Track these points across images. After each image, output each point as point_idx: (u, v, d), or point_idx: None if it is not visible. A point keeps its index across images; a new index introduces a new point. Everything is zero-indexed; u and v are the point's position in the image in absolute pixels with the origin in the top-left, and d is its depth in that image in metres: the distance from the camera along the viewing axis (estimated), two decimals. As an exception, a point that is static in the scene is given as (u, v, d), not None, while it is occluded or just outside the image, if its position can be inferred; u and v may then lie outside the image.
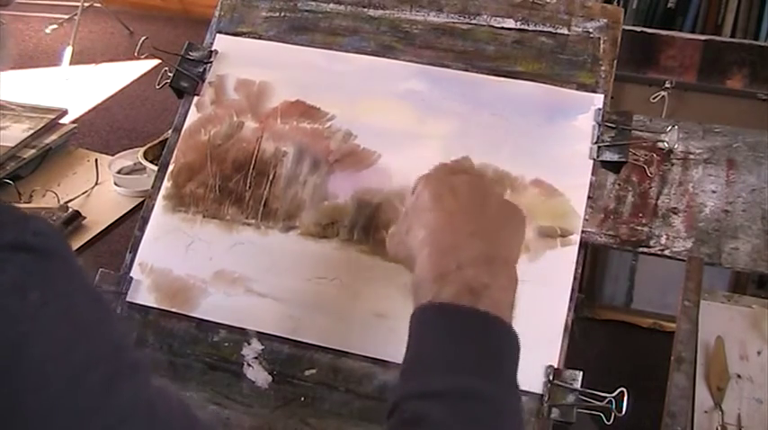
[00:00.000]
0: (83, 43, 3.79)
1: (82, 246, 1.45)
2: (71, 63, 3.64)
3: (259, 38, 0.99)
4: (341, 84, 0.94)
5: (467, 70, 0.93)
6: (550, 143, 0.88)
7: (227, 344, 0.85)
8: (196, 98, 0.96)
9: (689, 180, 1.01)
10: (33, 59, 3.74)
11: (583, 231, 0.84)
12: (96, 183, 1.59)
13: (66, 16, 3.87)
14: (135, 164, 1.60)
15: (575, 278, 0.82)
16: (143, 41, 0.92)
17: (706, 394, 0.98)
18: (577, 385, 0.77)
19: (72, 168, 1.66)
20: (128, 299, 0.88)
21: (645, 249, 0.96)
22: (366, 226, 0.86)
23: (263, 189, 0.90)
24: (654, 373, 1.03)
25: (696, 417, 0.96)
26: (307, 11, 0.99)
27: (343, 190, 0.89)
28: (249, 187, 0.91)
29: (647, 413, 0.91)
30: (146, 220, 0.91)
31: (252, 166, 0.91)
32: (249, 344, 0.85)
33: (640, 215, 0.98)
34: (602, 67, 0.91)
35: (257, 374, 0.84)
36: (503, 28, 0.94)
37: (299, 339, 0.84)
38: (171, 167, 0.93)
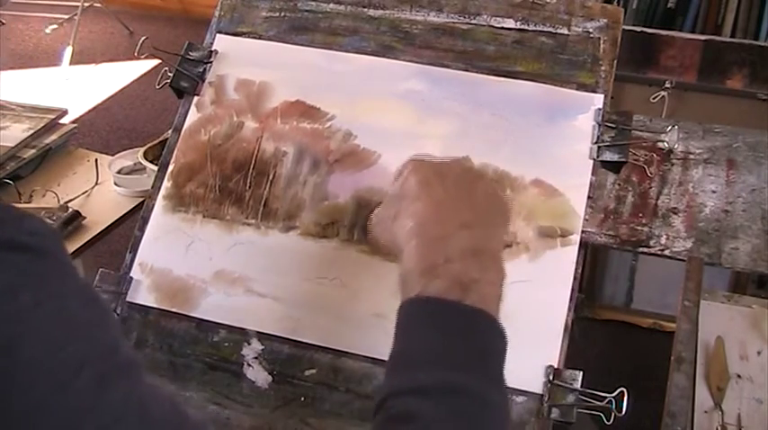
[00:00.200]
0: (83, 43, 3.79)
1: (82, 246, 1.45)
2: (71, 63, 3.64)
3: (259, 38, 0.99)
4: (341, 84, 0.94)
5: (467, 70, 0.93)
6: (550, 143, 0.88)
7: (227, 344, 0.85)
8: (196, 98, 0.96)
9: (689, 180, 1.01)
10: (33, 59, 3.75)
11: (583, 231, 0.84)
12: (96, 183, 1.59)
13: (67, 16, 3.87)
14: (135, 164, 1.60)
15: (575, 278, 0.82)
16: (143, 41, 0.92)
17: (706, 394, 0.98)
18: (577, 385, 0.77)
19: (72, 168, 1.66)
20: (128, 299, 0.88)
21: (645, 249, 0.96)
22: (366, 226, 0.86)
23: (263, 189, 0.90)
24: (654, 373, 1.03)
25: (696, 417, 0.96)
26: (307, 11, 0.99)
27: (343, 190, 0.89)
28: (249, 187, 0.91)
29: (647, 413, 0.91)
30: (146, 220, 0.91)
31: (252, 166, 0.91)
32: (249, 344, 0.85)
33: (640, 215, 0.98)
34: (602, 67, 0.91)
35: (257, 374, 0.84)
36: (503, 28, 0.94)
37: (299, 339, 0.84)
38: (171, 167, 0.93)
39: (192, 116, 0.95)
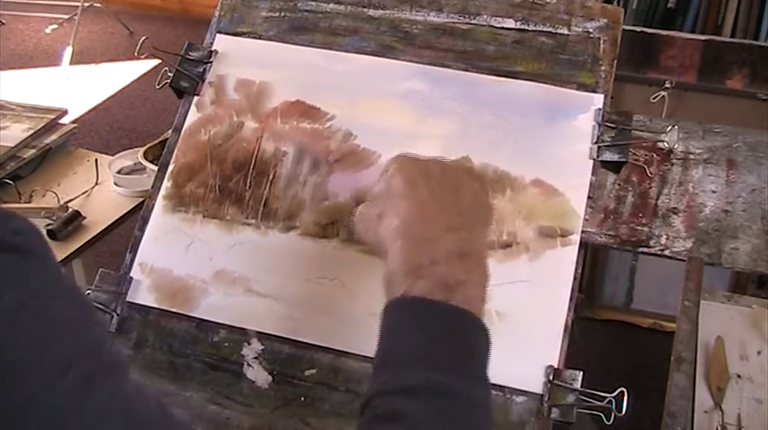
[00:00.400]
0: (83, 43, 3.79)
1: (82, 246, 1.46)
2: (71, 63, 3.64)
3: (259, 38, 0.99)
4: (341, 84, 0.94)
5: (467, 70, 0.93)
6: (550, 143, 0.88)
7: (227, 344, 0.85)
8: (196, 98, 0.96)
9: (689, 180, 1.01)
10: (33, 59, 3.75)
11: (583, 231, 0.84)
12: (96, 183, 1.59)
13: (67, 16, 3.87)
14: (135, 164, 1.61)
15: (575, 278, 0.82)
16: (143, 41, 0.92)
17: (706, 394, 0.98)
18: (577, 385, 0.77)
19: (72, 168, 1.66)
20: (128, 299, 0.88)
21: (645, 249, 0.96)
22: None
23: (263, 189, 0.90)
24: (654, 373, 1.03)
25: (696, 417, 0.96)
26: (307, 11, 0.99)
27: (344, 190, 0.89)
28: (249, 187, 0.91)
29: (647, 413, 0.91)
30: (146, 220, 0.91)
31: (252, 166, 0.91)
32: (249, 344, 0.85)
33: (640, 215, 0.98)
34: (602, 67, 0.91)
35: (257, 374, 0.84)
36: (503, 28, 0.94)
37: (299, 339, 0.84)
38: (171, 167, 0.93)
39: (192, 116, 0.95)
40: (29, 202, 1.55)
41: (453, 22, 0.95)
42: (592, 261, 2.16)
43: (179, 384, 0.84)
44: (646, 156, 1.02)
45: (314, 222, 0.88)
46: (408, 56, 0.94)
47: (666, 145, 0.98)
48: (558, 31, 0.93)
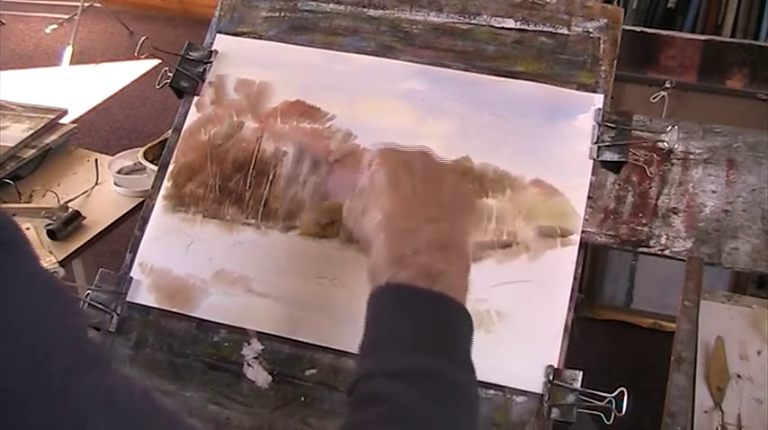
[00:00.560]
0: (83, 43, 3.79)
1: (82, 246, 1.46)
2: (71, 63, 3.64)
3: (259, 38, 0.99)
4: (341, 84, 0.94)
5: (467, 70, 0.93)
6: (550, 143, 0.88)
7: (227, 344, 0.85)
8: (196, 98, 0.96)
9: (689, 180, 1.01)
10: (33, 59, 3.75)
11: (583, 231, 0.84)
12: (96, 183, 1.59)
13: (67, 16, 3.87)
14: (135, 164, 1.61)
15: (575, 278, 0.82)
16: (143, 41, 0.92)
17: (706, 394, 0.98)
18: (577, 385, 0.77)
19: (72, 168, 1.66)
20: (128, 299, 0.88)
21: (645, 249, 0.96)
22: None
23: (263, 189, 0.90)
24: (654, 373, 1.03)
25: (696, 417, 0.96)
26: (307, 11, 0.99)
27: (344, 190, 0.89)
28: (249, 187, 0.91)
29: (647, 413, 0.91)
30: (146, 220, 0.91)
31: (252, 166, 0.91)
32: (249, 344, 0.85)
33: (640, 215, 0.98)
34: (602, 67, 0.91)
35: (257, 374, 0.84)
36: (503, 28, 0.94)
37: (299, 339, 0.84)
38: (171, 167, 0.93)
39: (192, 116, 0.95)
40: (29, 202, 1.55)
41: (453, 22, 0.95)
42: (592, 261, 2.16)
43: (179, 384, 0.84)
44: (646, 156, 1.02)
45: (314, 222, 0.88)
46: (408, 56, 0.94)
47: (666, 145, 0.98)
48: (558, 31, 0.93)
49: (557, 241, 0.84)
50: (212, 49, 0.98)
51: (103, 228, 1.50)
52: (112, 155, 1.67)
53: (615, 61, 0.91)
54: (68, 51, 3.65)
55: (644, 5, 1.86)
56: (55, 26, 3.92)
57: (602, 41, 0.92)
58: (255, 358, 0.84)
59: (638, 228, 0.97)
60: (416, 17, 0.96)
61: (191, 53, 0.98)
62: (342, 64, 0.95)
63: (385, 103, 0.92)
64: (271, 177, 0.91)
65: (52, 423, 0.43)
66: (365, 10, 0.98)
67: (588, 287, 2.19)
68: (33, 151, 1.64)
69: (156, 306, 0.87)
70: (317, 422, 0.81)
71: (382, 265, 0.64)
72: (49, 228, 1.45)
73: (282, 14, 0.99)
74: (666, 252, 0.95)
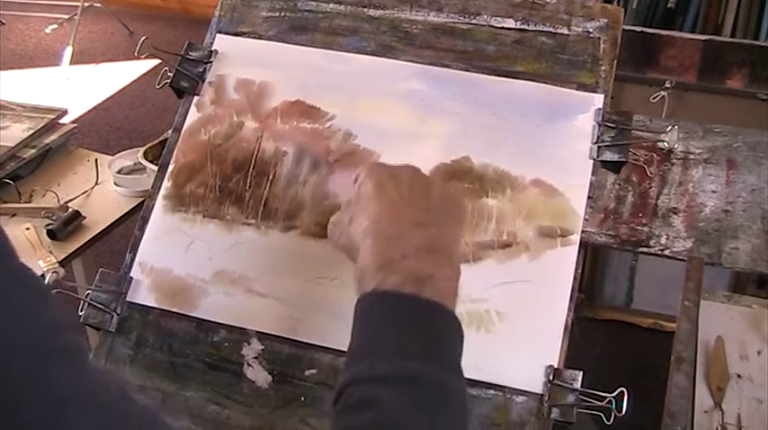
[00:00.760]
0: (83, 43, 3.79)
1: (82, 246, 1.46)
2: (71, 63, 3.64)
3: (259, 38, 0.99)
4: (341, 84, 0.94)
5: (467, 70, 0.93)
6: (550, 143, 0.88)
7: (227, 344, 0.85)
8: (196, 98, 0.96)
9: (689, 180, 1.01)
10: (33, 59, 3.75)
11: (583, 231, 0.84)
12: (96, 183, 1.59)
13: (67, 16, 3.87)
14: (135, 164, 1.61)
15: (575, 278, 0.82)
16: (143, 41, 0.92)
17: (706, 394, 0.98)
18: (577, 385, 0.77)
19: (72, 168, 1.66)
20: (128, 299, 0.88)
21: (645, 249, 0.96)
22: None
23: (263, 189, 0.90)
24: (654, 373, 1.03)
25: (696, 417, 0.96)
26: (307, 11, 0.99)
27: (344, 190, 0.89)
28: (249, 187, 0.91)
29: (647, 413, 0.91)
30: (146, 220, 0.91)
31: (252, 166, 0.91)
32: (249, 344, 0.85)
33: (640, 215, 0.98)
34: (602, 67, 0.91)
35: (257, 374, 0.84)
36: (503, 28, 0.94)
37: (299, 339, 0.84)
38: (171, 167, 0.93)
39: (192, 116, 0.95)
40: (29, 202, 1.55)
41: (453, 22, 0.95)
42: (592, 261, 2.16)
43: (179, 384, 0.84)
44: (646, 156, 1.02)
45: (314, 222, 0.88)
46: (408, 56, 0.94)
47: (666, 145, 0.98)
48: (558, 31, 0.93)
49: (557, 241, 0.84)
50: (212, 48, 0.98)
51: (103, 228, 1.50)
52: (112, 155, 1.67)
53: (615, 61, 0.91)
54: (68, 51, 3.65)
55: (644, 5, 1.86)
56: (55, 26, 3.92)
57: (602, 41, 0.92)
58: (255, 358, 0.84)
59: (638, 228, 0.97)
60: (416, 17, 0.96)
61: (191, 53, 0.98)
62: (342, 64, 0.95)
63: (385, 103, 0.92)
64: (271, 177, 0.91)
65: (23, 416, 0.43)
66: (365, 10, 0.98)
67: (588, 287, 2.19)
68: (33, 151, 1.64)
69: (155, 306, 0.87)
70: (317, 422, 0.81)
71: (369, 271, 0.64)
72: (49, 228, 1.45)
73: (282, 14, 0.99)
74: (666, 252, 0.95)
